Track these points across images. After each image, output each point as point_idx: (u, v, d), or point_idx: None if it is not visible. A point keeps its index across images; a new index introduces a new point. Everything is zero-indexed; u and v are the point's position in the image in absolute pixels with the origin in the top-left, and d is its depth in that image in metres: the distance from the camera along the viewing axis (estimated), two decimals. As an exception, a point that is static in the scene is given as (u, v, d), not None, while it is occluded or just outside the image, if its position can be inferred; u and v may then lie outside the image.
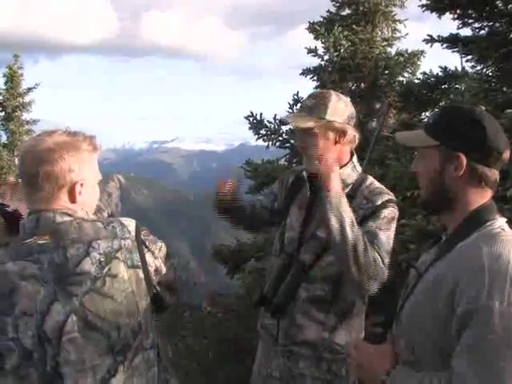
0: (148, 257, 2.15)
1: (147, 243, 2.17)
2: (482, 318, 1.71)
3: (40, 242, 2.01)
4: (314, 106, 2.99)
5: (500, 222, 1.93)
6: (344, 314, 2.98)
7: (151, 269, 2.16)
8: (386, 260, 2.76)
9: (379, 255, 2.76)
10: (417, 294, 1.98)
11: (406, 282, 2.20)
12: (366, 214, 2.88)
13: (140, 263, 2.10)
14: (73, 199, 2.08)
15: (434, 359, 1.87)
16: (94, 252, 2.01)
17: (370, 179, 3.04)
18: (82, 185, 2.09)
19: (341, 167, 2.96)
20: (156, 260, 2.19)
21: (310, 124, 2.98)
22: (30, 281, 1.98)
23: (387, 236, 2.82)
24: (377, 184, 3.01)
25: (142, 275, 2.10)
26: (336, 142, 2.97)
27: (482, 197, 1.97)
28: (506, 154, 1.96)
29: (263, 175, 7.64)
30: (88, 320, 1.99)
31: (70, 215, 2.06)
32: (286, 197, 3.23)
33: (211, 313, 7.53)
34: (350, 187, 2.99)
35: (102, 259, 2.01)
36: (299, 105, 3.08)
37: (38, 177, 2.02)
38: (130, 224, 2.14)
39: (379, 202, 2.88)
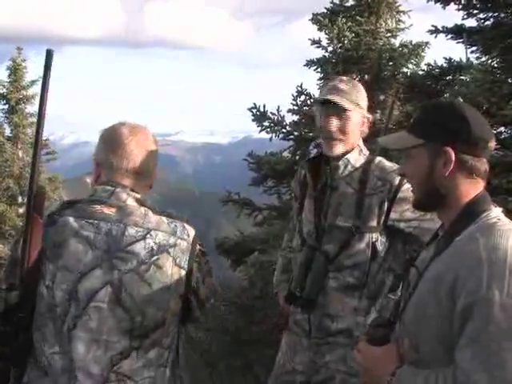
0: (194, 267, 2.20)
1: (198, 253, 2.22)
2: (482, 309, 1.71)
3: (106, 211, 2.14)
4: (349, 91, 3.00)
5: (495, 211, 1.92)
6: (375, 296, 2.98)
7: (193, 278, 2.20)
8: None
9: None
10: (419, 292, 1.96)
11: (406, 281, 2.18)
12: (390, 197, 2.91)
13: (187, 266, 2.17)
14: (151, 184, 2.32)
15: (439, 357, 1.86)
16: (149, 239, 2.11)
17: (378, 158, 3.04)
18: None
19: (347, 151, 3.00)
20: (199, 272, 2.23)
21: (348, 106, 2.97)
22: (82, 241, 2.10)
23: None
24: (385, 162, 3.00)
25: (184, 277, 2.16)
26: (362, 129, 3.03)
27: (474, 188, 1.95)
28: (492, 143, 1.95)
29: (266, 167, 7.62)
30: (120, 296, 2.07)
31: (140, 204, 2.19)
32: (300, 190, 3.24)
33: (214, 305, 7.52)
34: (360, 170, 2.99)
35: (154, 248, 2.10)
36: (328, 86, 3.08)
37: (137, 155, 2.22)
38: (191, 229, 2.22)
39: (396, 181, 2.89)
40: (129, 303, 2.07)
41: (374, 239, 2.97)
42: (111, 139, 2.24)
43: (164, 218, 2.18)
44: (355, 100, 2.98)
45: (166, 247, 2.13)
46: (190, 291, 2.20)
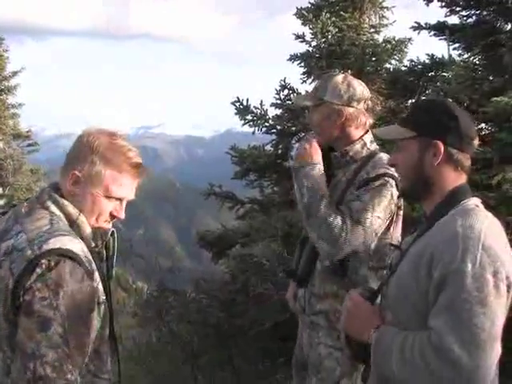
0: (28, 283, 1.95)
1: (41, 272, 1.95)
2: (455, 279, 1.88)
3: (23, 209, 2.18)
4: (318, 87, 3.21)
5: (474, 200, 2.12)
6: (356, 287, 3.05)
7: (24, 294, 1.95)
8: (351, 223, 2.90)
9: (337, 217, 2.91)
10: (401, 268, 2.12)
11: (390, 262, 2.39)
12: (359, 186, 3.02)
13: (17, 274, 1.97)
14: (65, 185, 2.20)
15: (419, 329, 1.99)
16: (14, 239, 2.06)
17: (380, 155, 3.15)
18: (77, 177, 2.18)
19: (348, 144, 3.16)
20: (30, 295, 1.94)
21: (306, 103, 3.27)
22: None
23: (364, 202, 2.94)
24: (384, 160, 3.07)
25: (11, 286, 1.96)
26: (335, 122, 3.13)
27: (457, 180, 2.16)
28: (476, 141, 2.18)
29: (249, 161, 7.62)
30: None
31: (56, 204, 2.16)
32: None
33: (196, 298, 7.53)
34: (358, 163, 3.12)
35: (9, 248, 2.04)
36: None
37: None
38: (53, 244, 2.00)
39: (373, 175, 3.00)
40: None
41: None
42: None
43: (45, 227, 2.06)
44: (320, 95, 3.14)
45: (14, 250, 2.02)
46: (21, 310, 1.95)
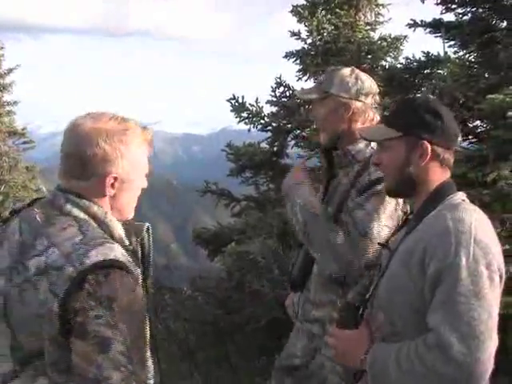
0: (79, 304, 1.75)
1: (88, 288, 1.76)
2: (451, 274, 1.90)
3: (38, 217, 1.93)
4: (323, 80, 3.06)
5: (459, 195, 2.15)
6: None
7: (75, 316, 1.75)
8: (356, 236, 2.75)
9: (338, 232, 2.77)
10: (391, 267, 2.12)
11: (379, 261, 2.36)
12: (361, 189, 2.88)
13: (62, 295, 1.76)
14: (102, 192, 1.98)
15: (414, 327, 2.01)
16: (45, 256, 1.84)
17: None
18: (115, 178, 1.98)
19: (352, 143, 3.00)
20: (84, 316, 1.75)
21: (311, 96, 3.10)
22: (9, 245, 1.95)
23: (368, 211, 2.78)
24: None
25: (57, 308, 1.76)
26: (342, 116, 2.98)
27: (442, 177, 2.17)
28: (459, 137, 2.21)
29: (245, 158, 7.62)
30: (6, 311, 1.90)
31: (84, 211, 1.94)
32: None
33: (192, 296, 7.54)
34: (360, 164, 2.95)
35: (42, 266, 1.82)
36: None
37: (68, 146, 1.97)
38: (96, 256, 1.80)
39: (374, 178, 2.83)
40: (11, 320, 1.88)
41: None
42: None
43: (77, 238, 1.85)
44: (325, 89, 3.00)
45: (49, 269, 1.79)
46: (74, 333, 1.75)
